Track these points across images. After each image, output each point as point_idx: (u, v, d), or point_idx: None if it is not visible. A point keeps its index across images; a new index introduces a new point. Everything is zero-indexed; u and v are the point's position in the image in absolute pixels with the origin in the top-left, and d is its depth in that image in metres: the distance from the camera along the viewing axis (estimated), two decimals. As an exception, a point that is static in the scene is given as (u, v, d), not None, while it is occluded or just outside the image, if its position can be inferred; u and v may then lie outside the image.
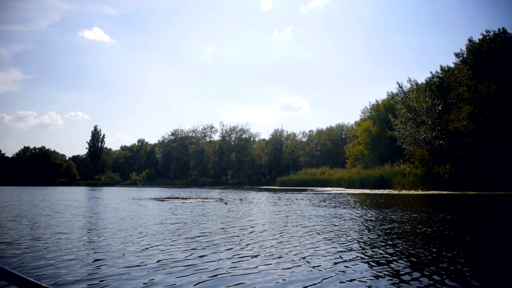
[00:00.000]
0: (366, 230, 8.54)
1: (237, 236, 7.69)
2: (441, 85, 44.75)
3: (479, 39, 39.90)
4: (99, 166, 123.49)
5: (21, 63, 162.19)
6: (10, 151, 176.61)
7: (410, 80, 48.28)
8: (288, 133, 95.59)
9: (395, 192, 34.69)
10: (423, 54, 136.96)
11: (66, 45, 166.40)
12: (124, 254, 5.72)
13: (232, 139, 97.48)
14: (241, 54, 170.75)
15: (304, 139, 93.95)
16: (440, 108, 40.83)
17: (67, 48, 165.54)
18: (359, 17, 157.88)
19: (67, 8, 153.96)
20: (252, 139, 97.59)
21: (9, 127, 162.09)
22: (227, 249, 6.16)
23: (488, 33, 39.30)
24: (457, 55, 41.84)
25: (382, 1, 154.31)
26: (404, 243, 6.83)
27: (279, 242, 6.87)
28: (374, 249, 6.18)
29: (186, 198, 23.75)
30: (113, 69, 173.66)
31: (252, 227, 9.15)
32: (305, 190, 43.85)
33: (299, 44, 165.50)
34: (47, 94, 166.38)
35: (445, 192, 31.92)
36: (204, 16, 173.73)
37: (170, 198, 24.64)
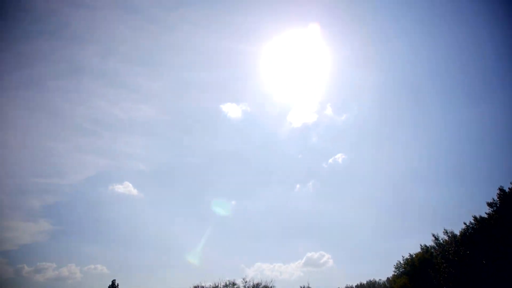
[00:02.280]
0: None
1: None
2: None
3: (509, 188, 39.22)
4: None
5: (51, 214, 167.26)
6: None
7: (446, 232, 45.83)
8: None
9: None
10: (452, 204, 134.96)
11: (96, 198, 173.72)
12: None
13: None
14: (264, 208, 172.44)
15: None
16: (484, 262, 37.54)
17: (96, 201, 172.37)
18: (380, 170, 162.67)
19: (103, 163, 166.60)
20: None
21: (26, 279, 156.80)
22: None
23: (517, 181, 38.84)
24: (490, 204, 40.59)
25: (402, 154, 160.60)
26: None
27: None
28: None
29: None
30: (137, 223, 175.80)
31: None
32: None
33: (321, 198, 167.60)
34: (70, 246, 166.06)
35: None
36: (229, 171, 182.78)
37: None
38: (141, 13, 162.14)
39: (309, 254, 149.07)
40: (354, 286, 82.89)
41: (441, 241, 47.70)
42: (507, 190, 39.49)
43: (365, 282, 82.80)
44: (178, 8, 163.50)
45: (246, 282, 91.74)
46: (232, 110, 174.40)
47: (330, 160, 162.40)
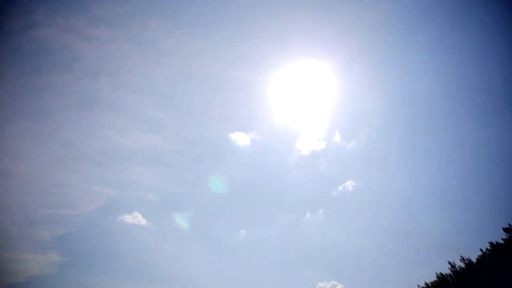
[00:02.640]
0: None
1: None
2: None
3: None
4: None
5: (60, 245, 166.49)
6: None
7: (463, 259, 44.66)
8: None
9: None
10: (467, 230, 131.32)
11: (106, 229, 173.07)
12: None
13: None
14: (274, 237, 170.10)
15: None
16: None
17: (105, 232, 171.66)
18: (391, 197, 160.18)
19: (112, 194, 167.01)
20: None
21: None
22: None
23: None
24: (506, 230, 39.83)
25: (413, 180, 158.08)
26: None
27: None
28: None
29: None
30: (147, 254, 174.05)
31: None
32: None
33: (332, 226, 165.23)
34: (78, 278, 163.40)
35: None
36: (238, 200, 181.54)
37: None
38: (151, 45, 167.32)
39: (320, 284, 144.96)
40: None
41: (458, 268, 46.49)
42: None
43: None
44: (187, 39, 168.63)
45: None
46: (241, 139, 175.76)
47: (340, 187, 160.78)
